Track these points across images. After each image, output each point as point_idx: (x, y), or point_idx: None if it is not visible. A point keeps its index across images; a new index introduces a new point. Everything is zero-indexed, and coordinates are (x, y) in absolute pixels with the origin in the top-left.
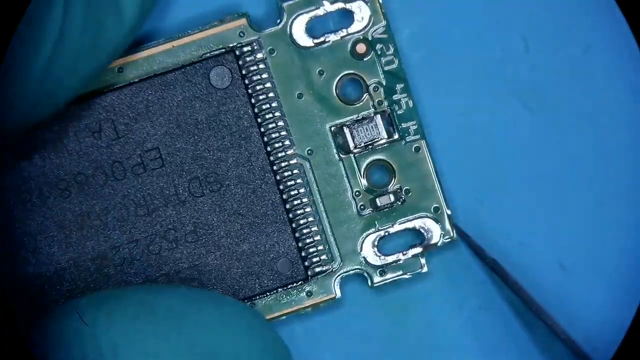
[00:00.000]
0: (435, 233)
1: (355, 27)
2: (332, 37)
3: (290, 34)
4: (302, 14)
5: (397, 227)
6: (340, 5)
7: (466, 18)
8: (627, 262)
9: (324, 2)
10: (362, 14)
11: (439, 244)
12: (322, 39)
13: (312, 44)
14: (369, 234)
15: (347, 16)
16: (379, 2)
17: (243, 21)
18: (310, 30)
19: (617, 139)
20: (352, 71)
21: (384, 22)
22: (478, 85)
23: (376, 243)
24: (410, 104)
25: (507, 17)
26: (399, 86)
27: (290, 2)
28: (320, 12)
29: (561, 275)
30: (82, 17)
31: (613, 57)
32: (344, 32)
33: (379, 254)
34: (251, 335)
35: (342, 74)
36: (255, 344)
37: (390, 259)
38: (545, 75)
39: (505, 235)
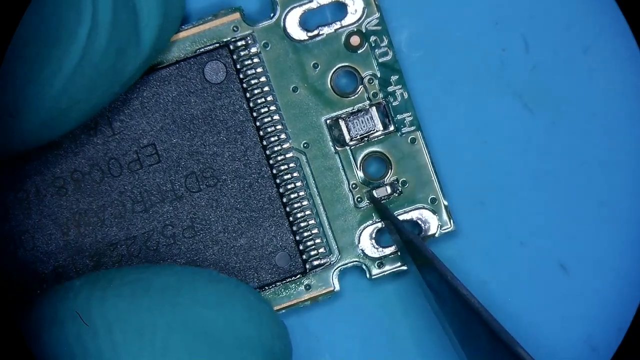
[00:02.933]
0: (433, 224)
1: (349, 19)
2: (326, 30)
3: (284, 28)
4: (295, 7)
5: None
6: None
7: (466, 18)
8: (627, 262)
9: None
10: (355, 6)
11: (436, 235)
12: (316, 32)
13: (306, 37)
14: (367, 226)
15: (340, 9)
16: None
17: (237, 15)
18: (304, 24)
19: (617, 138)
20: (346, 64)
21: (377, 14)
22: (478, 85)
23: (374, 235)
24: (405, 95)
25: (507, 17)
26: (393, 78)
27: None
28: (313, 5)
29: (561, 275)
30: (106, 42)
31: (613, 57)
32: (337, 25)
33: (376, 246)
34: (247, 311)
35: (336, 67)
36: (251, 319)
37: (388, 250)
38: (545, 75)
39: (505, 235)
